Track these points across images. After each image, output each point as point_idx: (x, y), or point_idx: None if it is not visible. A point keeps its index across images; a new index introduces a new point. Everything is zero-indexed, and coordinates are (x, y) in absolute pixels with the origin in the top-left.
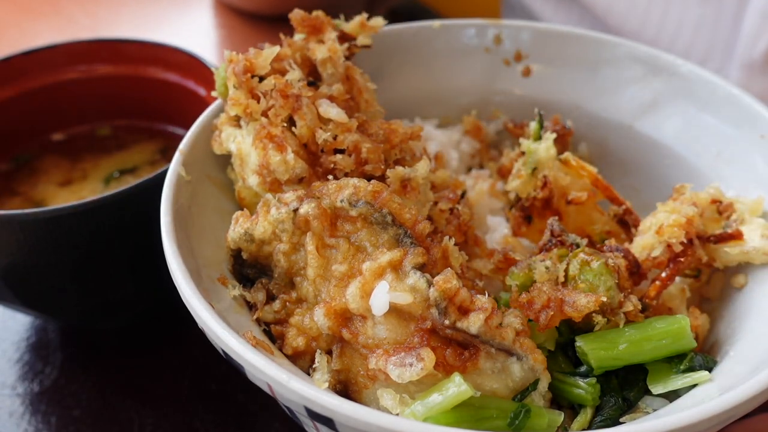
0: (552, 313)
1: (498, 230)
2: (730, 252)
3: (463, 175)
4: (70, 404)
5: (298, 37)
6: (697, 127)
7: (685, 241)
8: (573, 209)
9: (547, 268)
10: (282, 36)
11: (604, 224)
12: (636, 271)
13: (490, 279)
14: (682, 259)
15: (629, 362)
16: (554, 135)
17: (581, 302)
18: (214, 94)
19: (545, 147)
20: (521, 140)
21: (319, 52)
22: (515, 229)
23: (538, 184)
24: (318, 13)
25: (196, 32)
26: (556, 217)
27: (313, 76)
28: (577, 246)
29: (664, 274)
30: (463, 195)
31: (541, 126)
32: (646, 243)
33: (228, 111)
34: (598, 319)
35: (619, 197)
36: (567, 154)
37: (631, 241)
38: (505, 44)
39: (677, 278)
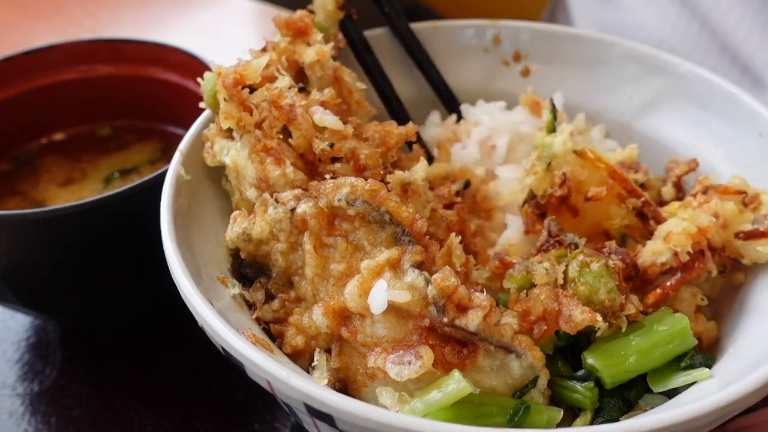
0: (545, 328)
1: (512, 227)
2: (762, 250)
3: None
4: (70, 404)
5: (281, 39)
6: (695, 126)
7: (691, 251)
8: (590, 204)
9: (546, 270)
10: (266, 39)
11: (623, 218)
12: (635, 274)
13: (488, 287)
14: (690, 270)
15: (640, 372)
16: (571, 127)
17: (577, 318)
18: (202, 105)
19: (561, 140)
20: (535, 133)
21: (308, 56)
22: (528, 226)
23: (554, 180)
24: (302, 14)
25: (197, 32)
26: (554, 217)
27: (299, 79)
28: (576, 246)
29: (669, 283)
30: (466, 185)
31: (554, 117)
32: (656, 248)
33: (221, 124)
34: (600, 324)
35: (638, 189)
36: (583, 147)
37: (651, 234)
38: (504, 44)
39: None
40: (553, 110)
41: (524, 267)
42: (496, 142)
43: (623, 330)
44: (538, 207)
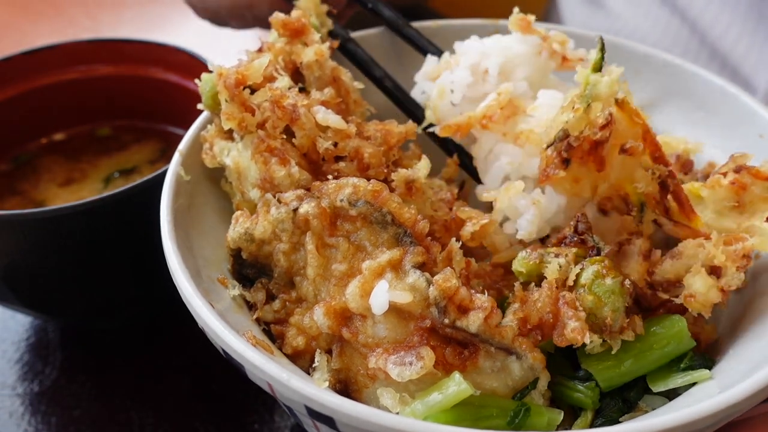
0: (538, 337)
1: (525, 216)
2: None
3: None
4: (70, 404)
5: (278, 39)
6: (695, 126)
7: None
8: (619, 161)
9: (560, 266)
10: (261, 40)
11: (647, 185)
12: (644, 314)
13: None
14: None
15: (636, 375)
16: (621, 69)
17: (568, 334)
18: (200, 106)
19: (608, 81)
20: (577, 67)
21: (306, 55)
22: (545, 173)
23: (593, 121)
24: (298, 14)
25: (197, 32)
26: (585, 215)
27: (296, 79)
28: (598, 251)
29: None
30: (461, 187)
31: (603, 56)
32: (678, 274)
33: (222, 125)
34: (593, 338)
35: (666, 158)
36: (626, 95)
37: (666, 211)
38: None
39: None
40: (602, 48)
41: (539, 255)
42: (487, 65)
43: (614, 352)
44: (566, 150)
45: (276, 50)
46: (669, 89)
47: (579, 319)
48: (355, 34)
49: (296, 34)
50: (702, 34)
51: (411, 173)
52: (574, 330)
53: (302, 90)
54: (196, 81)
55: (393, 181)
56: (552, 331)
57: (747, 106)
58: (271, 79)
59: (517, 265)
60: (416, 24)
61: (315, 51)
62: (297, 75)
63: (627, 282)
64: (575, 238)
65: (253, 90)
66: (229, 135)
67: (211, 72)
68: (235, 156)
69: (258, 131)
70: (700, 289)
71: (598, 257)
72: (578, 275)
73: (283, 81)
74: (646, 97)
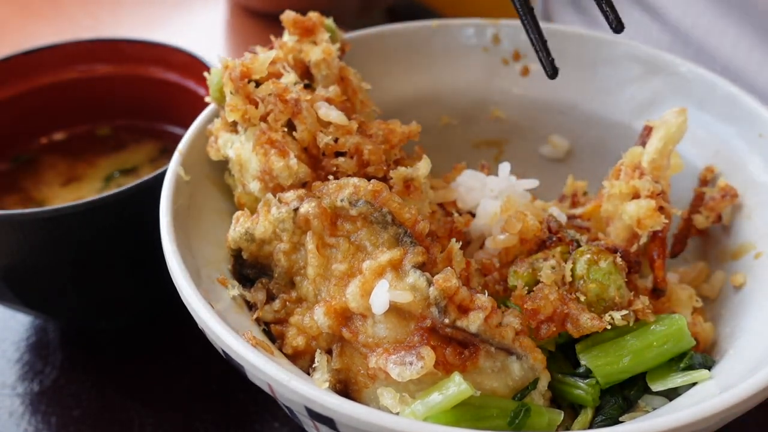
0: (554, 328)
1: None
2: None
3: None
4: (70, 404)
5: (289, 38)
6: (695, 125)
7: (666, 221)
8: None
9: (552, 268)
10: (273, 38)
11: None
12: (636, 270)
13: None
14: (661, 234)
15: (634, 373)
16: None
17: (585, 324)
18: (207, 99)
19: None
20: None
21: (314, 54)
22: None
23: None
24: (311, 15)
25: (198, 32)
26: (552, 213)
27: (306, 78)
28: (578, 243)
29: (655, 254)
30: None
31: None
32: (625, 235)
33: (226, 117)
34: (613, 315)
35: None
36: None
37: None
38: (504, 43)
39: (685, 284)
40: None
41: (529, 264)
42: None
43: (631, 324)
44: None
45: (286, 48)
46: (670, 89)
47: (587, 311)
48: (352, 34)
49: (306, 33)
50: (711, 55)
51: (410, 172)
52: (593, 318)
53: (308, 86)
54: (205, 74)
55: (392, 179)
56: (564, 322)
57: (747, 106)
58: (278, 75)
59: (512, 280)
60: (416, 23)
61: (323, 49)
62: (307, 74)
63: (618, 259)
64: (554, 239)
65: (259, 84)
66: (233, 128)
67: (216, 68)
68: (238, 147)
69: (260, 123)
70: (636, 210)
71: (582, 248)
72: (573, 270)
73: (290, 77)
74: (646, 97)
